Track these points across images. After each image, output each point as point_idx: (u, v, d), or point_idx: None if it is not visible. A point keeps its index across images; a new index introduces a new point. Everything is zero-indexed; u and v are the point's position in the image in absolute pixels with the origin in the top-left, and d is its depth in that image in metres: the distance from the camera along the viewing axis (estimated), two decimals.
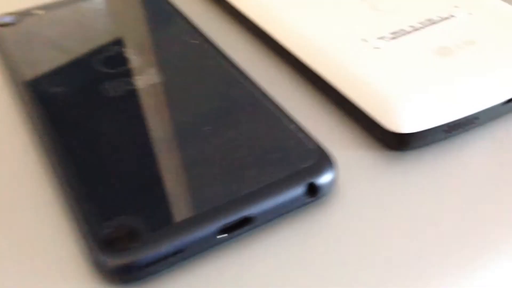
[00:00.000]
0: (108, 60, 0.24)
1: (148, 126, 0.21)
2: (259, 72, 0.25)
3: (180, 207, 0.18)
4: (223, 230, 0.18)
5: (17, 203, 0.20)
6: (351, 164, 0.21)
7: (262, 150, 0.19)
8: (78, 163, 0.19)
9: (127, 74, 0.23)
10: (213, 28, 0.28)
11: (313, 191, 0.19)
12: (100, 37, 0.26)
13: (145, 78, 0.23)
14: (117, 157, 0.20)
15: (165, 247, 0.17)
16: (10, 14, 0.27)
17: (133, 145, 0.20)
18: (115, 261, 0.16)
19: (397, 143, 0.20)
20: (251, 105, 0.21)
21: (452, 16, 0.24)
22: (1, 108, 0.24)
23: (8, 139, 0.22)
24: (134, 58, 0.24)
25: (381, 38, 0.23)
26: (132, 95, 0.22)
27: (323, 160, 0.19)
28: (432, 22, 0.24)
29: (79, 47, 0.25)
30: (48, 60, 0.24)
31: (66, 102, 0.22)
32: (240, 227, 0.18)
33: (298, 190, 0.18)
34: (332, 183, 0.19)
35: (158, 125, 0.21)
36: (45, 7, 0.28)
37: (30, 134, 0.22)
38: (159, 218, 0.17)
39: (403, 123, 0.20)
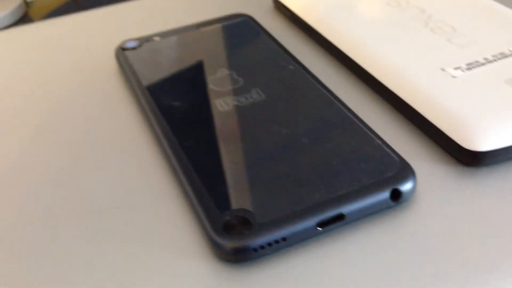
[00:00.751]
0: (217, 81, 0.28)
1: (254, 136, 0.25)
2: (347, 95, 0.29)
3: (286, 202, 0.21)
4: (319, 224, 0.21)
5: (151, 199, 0.24)
6: (429, 176, 0.24)
7: (353, 159, 0.23)
8: (200, 164, 0.23)
9: (234, 92, 0.27)
10: (303, 53, 0.32)
11: (396, 196, 0.22)
12: (208, 61, 0.30)
13: (249, 97, 0.27)
14: (230, 160, 0.23)
15: (272, 235, 0.20)
16: (133, 39, 0.32)
17: (243, 150, 0.24)
18: (231, 244, 0.20)
19: (471, 160, 0.23)
20: (343, 122, 0.25)
21: None
22: (129, 116, 0.28)
23: (135, 145, 0.27)
24: (239, 80, 0.28)
25: (458, 68, 0.26)
26: (239, 110, 0.26)
27: (405, 170, 0.22)
28: (504, 56, 0.27)
29: (192, 69, 0.29)
30: (166, 78, 0.29)
31: (185, 113, 0.26)
32: (333, 223, 0.21)
33: (384, 195, 0.22)
34: (412, 191, 0.22)
35: (262, 135, 0.25)
36: (161, 35, 0.33)
37: (155, 140, 0.27)
38: (268, 211, 0.21)
39: (478, 142, 0.23)
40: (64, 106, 0.30)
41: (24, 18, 0.42)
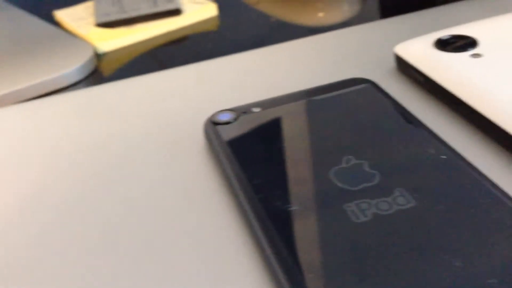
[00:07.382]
0: (344, 174, 0.21)
1: (412, 272, 0.17)
2: None
3: None
4: None
5: None
6: None
7: None
8: None
9: (370, 194, 0.20)
10: (451, 134, 0.24)
11: None
12: (328, 143, 0.23)
13: (393, 201, 0.19)
14: None
15: None
16: (227, 110, 0.25)
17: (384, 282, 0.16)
18: None
19: None
20: None
21: None
22: (221, 217, 0.21)
23: (230, 262, 0.19)
24: (375, 174, 0.21)
25: None
26: (382, 223, 0.18)
27: None
28: None
29: (306, 154, 0.22)
30: (273, 167, 0.22)
31: (304, 222, 0.19)
32: None
33: None
34: None
35: (426, 271, 0.16)
36: (261, 104, 0.26)
37: (260, 261, 0.19)
38: None
39: None
40: (131, 192, 0.23)
41: (94, 73, 0.37)
